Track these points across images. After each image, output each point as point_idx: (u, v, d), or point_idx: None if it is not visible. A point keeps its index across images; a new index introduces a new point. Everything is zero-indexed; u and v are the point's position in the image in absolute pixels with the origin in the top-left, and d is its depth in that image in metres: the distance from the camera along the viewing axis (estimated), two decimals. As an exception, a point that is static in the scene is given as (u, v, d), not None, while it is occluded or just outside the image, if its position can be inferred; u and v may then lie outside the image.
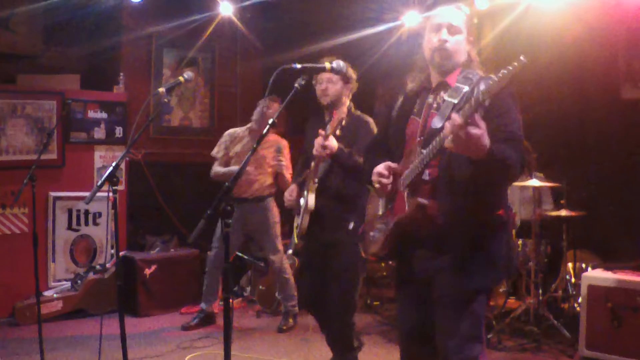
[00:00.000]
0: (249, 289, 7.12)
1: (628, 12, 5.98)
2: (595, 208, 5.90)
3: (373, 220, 3.06)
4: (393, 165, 2.92)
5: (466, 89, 2.69)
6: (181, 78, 3.95)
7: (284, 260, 6.16)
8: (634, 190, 5.89)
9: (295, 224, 4.44)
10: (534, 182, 5.66)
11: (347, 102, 4.42)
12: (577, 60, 6.11)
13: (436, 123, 2.72)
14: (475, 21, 6.21)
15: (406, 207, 2.80)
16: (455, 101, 2.70)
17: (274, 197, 6.16)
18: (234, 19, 7.51)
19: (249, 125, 6.13)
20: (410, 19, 7.28)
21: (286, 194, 4.48)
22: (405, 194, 2.83)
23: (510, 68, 2.29)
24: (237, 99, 8.34)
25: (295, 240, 4.51)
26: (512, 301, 6.13)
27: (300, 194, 4.42)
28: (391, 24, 7.38)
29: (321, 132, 4.02)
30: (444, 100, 2.78)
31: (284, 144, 6.14)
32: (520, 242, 5.83)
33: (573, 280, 5.83)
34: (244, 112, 8.27)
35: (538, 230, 5.73)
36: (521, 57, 2.29)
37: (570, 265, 5.91)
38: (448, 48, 2.84)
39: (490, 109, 2.54)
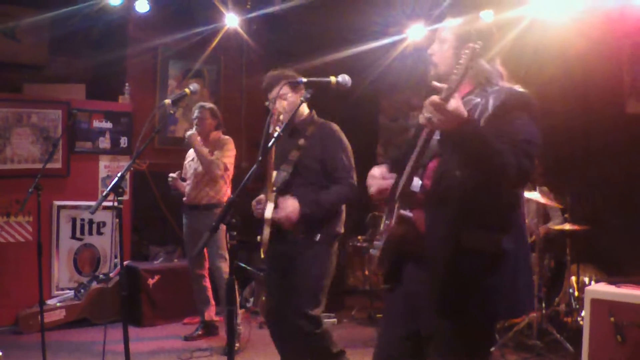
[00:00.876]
0: (252, 300, 7.11)
1: (632, 26, 5.99)
2: (599, 222, 5.90)
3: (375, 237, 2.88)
4: (386, 172, 2.82)
5: (477, 100, 2.57)
6: (187, 90, 3.97)
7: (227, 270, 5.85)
8: (638, 204, 5.88)
9: (258, 239, 4.11)
10: (536, 196, 5.66)
11: (306, 109, 4.15)
12: (582, 75, 6.12)
13: (437, 135, 2.54)
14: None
15: (393, 221, 2.63)
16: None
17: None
18: (240, 30, 7.55)
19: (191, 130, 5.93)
20: (414, 33, 7.31)
21: (254, 203, 4.15)
22: (396, 207, 2.64)
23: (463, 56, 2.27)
24: (242, 110, 8.38)
25: (262, 255, 4.15)
26: (515, 315, 6.11)
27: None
28: (396, 37, 7.42)
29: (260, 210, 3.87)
30: None
31: (225, 139, 5.97)
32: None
33: (576, 294, 5.81)
34: (248, 124, 8.31)
35: (542, 245, 5.72)
36: (472, 45, 2.28)
37: (573, 279, 5.90)
38: (433, 60, 2.77)
39: (495, 118, 2.47)
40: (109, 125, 6.90)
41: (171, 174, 5.94)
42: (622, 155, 6.02)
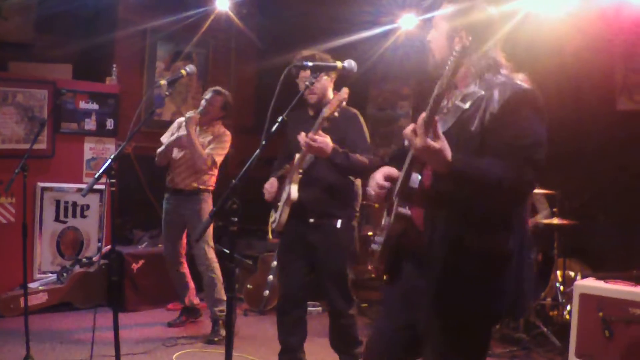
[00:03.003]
0: (236, 287, 7.05)
1: (626, 24, 6.00)
2: (587, 217, 5.92)
3: (376, 232, 2.83)
4: (393, 171, 2.73)
5: (480, 93, 2.48)
6: (183, 71, 3.93)
7: (213, 256, 5.77)
8: (627, 201, 5.92)
9: (271, 219, 4.30)
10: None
11: (332, 93, 4.27)
12: (575, 71, 6.13)
13: (440, 129, 2.39)
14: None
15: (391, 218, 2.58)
16: (466, 107, 2.49)
17: (210, 193, 5.77)
18: (231, 14, 7.47)
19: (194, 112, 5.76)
20: (407, 22, 7.28)
21: (266, 186, 4.32)
22: (395, 203, 2.58)
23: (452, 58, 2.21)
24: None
25: (270, 236, 4.37)
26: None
27: (280, 188, 4.27)
28: (388, 27, 7.38)
29: (303, 135, 3.92)
30: (454, 106, 2.55)
31: (223, 133, 5.82)
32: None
33: (562, 288, 5.83)
34: (236, 109, 8.21)
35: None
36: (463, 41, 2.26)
37: (559, 273, 5.92)
38: (430, 46, 2.69)
39: (499, 118, 2.39)
40: (95, 106, 6.79)
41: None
42: (612, 152, 6.04)
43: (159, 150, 5.82)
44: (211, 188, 5.78)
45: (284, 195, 4.14)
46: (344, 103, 3.96)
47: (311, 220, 4.18)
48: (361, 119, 4.31)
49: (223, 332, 5.56)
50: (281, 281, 4.50)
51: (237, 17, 7.56)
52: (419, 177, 2.51)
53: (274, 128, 2.74)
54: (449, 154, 2.23)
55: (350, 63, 3.38)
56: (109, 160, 3.49)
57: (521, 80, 2.52)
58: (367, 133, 4.32)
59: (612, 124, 6.08)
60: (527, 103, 2.43)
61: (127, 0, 7.18)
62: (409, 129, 2.30)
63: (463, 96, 2.55)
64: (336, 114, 3.91)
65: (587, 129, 6.21)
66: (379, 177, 2.73)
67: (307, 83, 2.93)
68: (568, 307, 5.53)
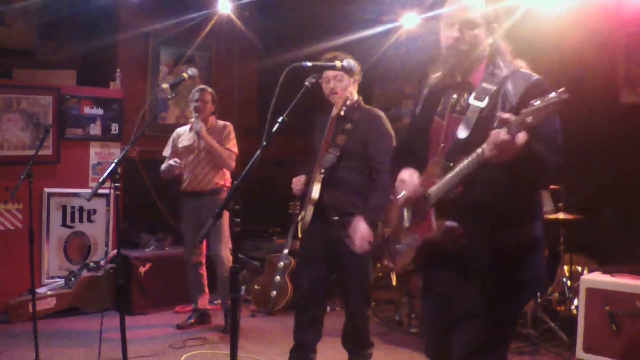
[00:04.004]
0: (243, 288, 7.08)
1: (628, 17, 6.00)
2: (592, 212, 5.91)
3: (398, 231, 2.81)
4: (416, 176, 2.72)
5: (493, 89, 2.50)
6: (185, 75, 3.94)
7: (230, 257, 5.89)
8: (632, 194, 5.90)
9: (299, 217, 4.33)
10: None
11: (354, 94, 4.32)
12: (577, 65, 6.11)
13: (461, 133, 2.52)
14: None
15: (433, 226, 2.55)
16: (482, 105, 2.51)
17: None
18: (233, 17, 7.49)
19: (192, 119, 6.00)
20: (408, 21, 7.30)
21: (294, 181, 4.40)
22: (432, 211, 2.56)
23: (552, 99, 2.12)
24: (233, 97, 8.32)
25: (299, 234, 4.42)
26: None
27: (306, 183, 4.33)
28: (390, 25, 7.39)
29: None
30: (468, 105, 2.56)
31: (224, 127, 6.00)
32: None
33: (569, 283, 5.83)
34: (240, 111, 8.26)
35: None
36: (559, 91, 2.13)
37: (566, 268, 5.92)
38: (461, 48, 2.59)
39: (525, 106, 2.30)
40: (99, 111, 6.82)
41: (171, 162, 5.80)
42: (615, 145, 6.03)
43: (162, 167, 5.95)
44: (229, 184, 5.92)
45: (308, 195, 4.21)
46: (349, 101, 4.09)
47: (334, 218, 4.20)
48: (385, 123, 4.26)
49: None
50: (302, 278, 4.50)
51: (239, 20, 7.57)
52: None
53: (274, 129, 2.75)
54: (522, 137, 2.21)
55: (349, 62, 3.37)
56: (113, 165, 3.52)
57: (524, 68, 2.57)
58: (392, 139, 4.21)
59: (615, 117, 6.06)
60: (542, 92, 2.32)
61: (129, 5, 7.20)
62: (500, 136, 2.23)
63: (477, 94, 2.56)
64: (342, 112, 4.02)
65: (590, 123, 6.19)
66: (406, 176, 2.74)
67: (306, 83, 2.93)
68: (575, 302, 5.52)
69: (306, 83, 2.92)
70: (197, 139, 5.85)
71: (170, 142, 6.10)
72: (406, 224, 2.76)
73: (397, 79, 8.39)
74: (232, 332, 2.69)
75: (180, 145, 5.98)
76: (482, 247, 2.51)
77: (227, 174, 6.00)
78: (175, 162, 5.79)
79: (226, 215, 5.77)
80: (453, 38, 2.60)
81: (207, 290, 6.11)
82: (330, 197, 4.18)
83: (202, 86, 6.02)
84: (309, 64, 2.89)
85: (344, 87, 4.23)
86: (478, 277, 2.55)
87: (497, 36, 2.62)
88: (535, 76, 2.54)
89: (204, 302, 6.08)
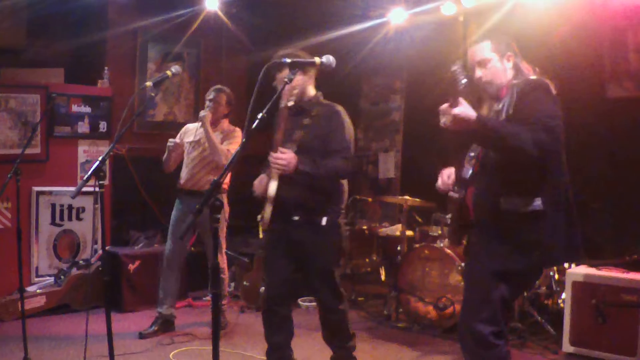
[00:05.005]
0: (233, 284, 7.10)
1: (614, 11, 6.01)
2: (579, 206, 5.90)
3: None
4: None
5: (507, 99, 3.25)
6: (169, 72, 3.94)
7: (225, 260, 5.92)
8: (618, 188, 5.93)
9: (259, 217, 4.20)
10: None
11: (312, 90, 4.25)
12: (564, 59, 6.12)
13: None
14: (461, 19, 6.55)
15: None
16: (498, 108, 3.29)
17: (226, 194, 5.80)
18: (220, 14, 7.48)
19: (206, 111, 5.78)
20: (396, 17, 7.31)
21: (255, 182, 4.26)
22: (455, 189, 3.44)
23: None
24: (222, 94, 8.32)
25: (261, 234, 4.35)
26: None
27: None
28: (378, 21, 7.40)
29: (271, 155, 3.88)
30: (496, 111, 3.31)
31: (233, 130, 5.86)
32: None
33: (557, 277, 5.86)
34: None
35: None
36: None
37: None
38: (485, 81, 3.36)
39: (519, 103, 3.14)
40: (88, 109, 6.82)
41: (170, 141, 5.76)
42: (602, 140, 6.06)
43: (164, 157, 5.86)
44: (226, 187, 5.81)
45: (267, 193, 4.08)
46: (296, 91, 4.05)
47: (295, 218, 4.13)
48: (343, 116, 4.21)
49: (224, 321, 5.91)
50: (266, 280, 4.41)
51: (227, 16, 7.57)
52: (471, 169, 3.36)
53: (254, 125, 2.76)
54: (472, 112, 2.95)
55: (328, 58, 3.38)
56: (97, 162, 3.52)
57: (534, 75, 3.32)
58: (350, 130, 4.22)
59: (602, 112, 6.08)
60: (536, 87, 3.19)
61: (116, 2, 7.19)
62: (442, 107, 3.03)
63: (499, 102, 3.33)
64: (290, 103, 3.94)
65: (577, 117, 6.17)
66: (445, 176, 3.53)
67: (285, 79, 2.95)
68: (563, 296, 5.55)
69: (285, 79, 2.95)
70: (203, 137, 5.69)
71: (177, 137, 5.96)
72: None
73: (386, 75, 8.41)
74: (213, 327, 2.70)
75: (185, 140, 5.87)
76: (485, 208, 3.25)
77: (227, 177, 5.77)
78: (171, 141, 5.74)
79: (221, 214, 5.64)
80: (477, 77, 3.38)
81: (175, 297, 5.93)
82: (291, 196, 4.07)
83: (219, 86, 5.89)
84: (288, 60, 2.92)
85: (301, 86, 4.14)
86: (484, 232, 3.29)
87: (517, 59, 3.37)
88: (535, 77, 3.31)
89: (172, 307, 5.86)
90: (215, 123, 5.76)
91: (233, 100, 5.89)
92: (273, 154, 3.86)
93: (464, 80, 2.97)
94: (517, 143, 2.96)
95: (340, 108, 4.26)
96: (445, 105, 2.97)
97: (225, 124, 5.87)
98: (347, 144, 4.15)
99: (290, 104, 4.00)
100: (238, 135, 5.78)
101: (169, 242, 5.83)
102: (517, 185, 3.15)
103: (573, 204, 3.32)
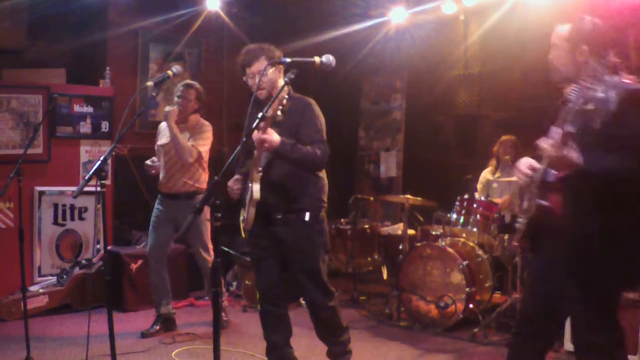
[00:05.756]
0: (235, 284, 7.12)
1: (614, 10, 6.01)
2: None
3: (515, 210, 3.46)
4: (534, 163, 3.22)
5: (602, 95, 2.88)
6: (169, 72, 3.95)
7: (212, 257, 5.80)
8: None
9: (241, 218, 4.19)
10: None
11: (281, 84, 4.02)
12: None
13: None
14: (462, 18, 6.55)
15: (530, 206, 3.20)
16: (591, 108, 2.93)
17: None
18: (221, 13, 7.51)
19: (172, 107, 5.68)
20: (397, 16, 7.32)
21: (230, 184, 4.21)
22: (534, 194, 3.18)
23: None
24: (223, 94, 8.35)
25: (243, 235, 4.23)
26: (498, 296, 6.19)
27: (245, 185, 4.16)
28: (378, 20, 7.42)
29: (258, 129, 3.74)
30: (582, 109, 2.98)
31: (202, 125, 5.77)
32: (506, 237, 5.89)
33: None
34: (229, 108, 8.29)
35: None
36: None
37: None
38: (553, 64, 3.28)
39: (617, 116, 2.83)
40: (89, 109, 6.84)
41: (147, 161, 5.72)
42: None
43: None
44: (204, 187, 5.75)
45: (248, 195, 4.04)
46: (286, 97, 3.87)
47: (278, 216, 4.12)
48: (315, 109, 4.15)
49: (224, 317, 5.91)
50: (257, 281, 4.42)
51: (228, 16, 7.59)
52: (554, 172, 3.09)
53: (254, 125, 2.78)
54: (575, 157, 2.81)
55: (328, 58, 3.39)
56: (99, 162, 3.53)
57: (630, 80, 2.99)
58: (322, 120, 4.18)
59: (602, 111, 6.07)
60: (635, 102, 2.86)
61: (117, 3, 7.21)
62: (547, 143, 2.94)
63: (585, 99, 2.94)
64: (279, 112, 3.74)
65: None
66: (523, 166, 3.24)
67: (285, 79, 2.96)
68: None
69: (285, 79, 2.96)
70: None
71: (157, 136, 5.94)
72: (525, 204, 3.30)
73: (387, 74, 8.42)
74: (214, 325, 2.72)
75: (158, 143, 5.81)
76: (572, 221, 3.01)
77: (204, 176, 5.79)
78: (151, 161, 5.71)
79: (202, 215, 5.58)
80: (549, 57, 3.31)
81: (170, 294, 5.91)
82: (272, 195, 4.06)
83: (188, 82, 5.81)
84: (288, 60, 2.94)
85: (272, 81, 4.05)
86: (573, 248, 3.01)
87: (592, 57, 3.10)
88: (635, 87, 2.95)
89: (169, 306, 5.85)
90: (183, 120, 5.69)
91: (203, 96, 5.80)
92: (256, 135, 3.73)
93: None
94: (611, 170, 2.83)
95: (311, 100, 4.20)
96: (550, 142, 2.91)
97: (194, 119, 5.76)
98: (321, 135, 4.10)
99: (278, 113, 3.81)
100: (207, 131, 5.72)
101: (149, 240, 5.80)
102: (611, 200, 2.91)
103: None
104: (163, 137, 5.77)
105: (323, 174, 4.29)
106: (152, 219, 5.82)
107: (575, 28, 3.19)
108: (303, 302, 6.66)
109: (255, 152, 3.93)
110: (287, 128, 3.96)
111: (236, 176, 4.22)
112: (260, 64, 3.98)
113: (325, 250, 4.28)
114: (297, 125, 4.03)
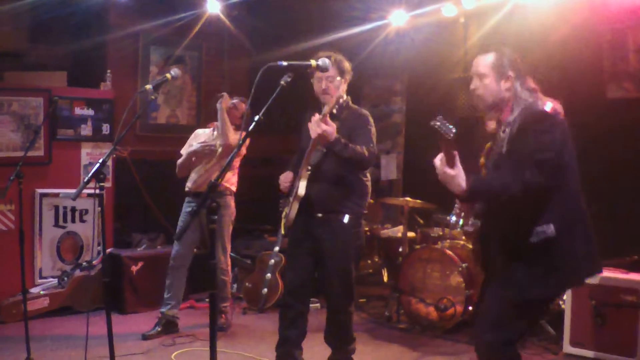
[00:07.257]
0: (235, 286, 7.13)
1: (613, 12, 6.03)
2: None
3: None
4: None
5: (513, 118, 3.12)
6: (168, 75, 3.97)
7: (229, 262, 5.97)
8: (618, 189, 5.94)
9: (283, 214, 4.36)
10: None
11: (344, 94, 4.34)
12: (563, 61, 6.15)
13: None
14: (462, 21, 6.56)
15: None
16: (504, 135, 3.18)
17: (233, 196, 5.89)
18: (222, 16, 7.52)
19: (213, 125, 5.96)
20: (397, 18, 7.33)
21: (281, 178, 4.41)
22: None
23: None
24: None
25: (282, 231, 4.44)
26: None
27: (293, 182, 4.34)
28: (378, 23, 7.43)
29: (315, 116, 4.01)
30: (501, 137, 3.21)
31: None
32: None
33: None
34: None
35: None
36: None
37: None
38: (477, 94, 3.28)
39: (516, 139, 3.08)
40: (90, 112, 6.86)
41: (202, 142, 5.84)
42: (602, 141, 6.05)
43: (179, 161, 5.88)
44: (234, 189, 5.88)
45: (294, 191, 4.23)
46: (342, 100, 4.15)
47: (319, 215, 4.26)
48: (369, 119, 4.37)
49: (223, 319, 5.95)
50: (287, 275, 4.56)
51: (228, 19, 7.61)
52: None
53: (250, 127, 2.79)
54: (462, 181, 2.90)
55: (324, 61, 3.43)
56: (97, 165, 3.55)
57: (544, 101, 3.16)
58: (373, 133, 4.34)
59: (602, 113, 6.07)
60: (538, 121, 3.08)
61: (118, 5, 7.22)
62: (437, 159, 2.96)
63: (504, 126, 3.20)
64: (334, 110, 4.04)
65: (576, 119, 6.16)
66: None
67: (282, 82, 2.98)
68: (563, 297, 5.56)
69: (282, 82, 2.98)
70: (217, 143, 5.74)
71: (189, 140, 6.04)
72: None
73: (387, 77, 8.42)
74: (210, 326, 2.73)
75: (194, 145, 5.90)
76: (490, 241, 3.27)
77: (234, 178, 5.91)
78: (200, 144, 5.81)
79: (227, 216, 5.78)
80: (472, 88, 3.31)
81: (181, 300, 5.98)
82: (317, 193, 4.24)
83: (244, 98, 5.90)
84: (285, 63, 2.95)
85: (337, 87, 4.25)
86: (494, 264, 3.26)
87: (518, 81, 3.20)
88: (537, 109, 3.12)
89: (174, 310, 5.87)
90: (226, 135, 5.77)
91: (248, 116, 5.90)
92: (316, 117, 3.97)
93: (454, 130, 2.80)
94: (498, 192, 3.01)
95: (367, 112, 4.42)
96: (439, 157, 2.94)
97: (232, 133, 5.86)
98: (371, 141, 4.27)
99: (334, 110, 4.13)
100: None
101: (175, 243, 5.87)
102: (523, 216, 3.07)
103: (588, 215, 3.25)
104: (202, 139, 5.94)
105: (368, 178, 4.45)
106: (180, 221, 5.80)
107: (500, 56, 3.22)
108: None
109: (307, 150, 4.15)
110: (342, 134, 4.09)
111: (287, 172, 4.43)
112: (332, 71, 4.17)
113: (358, 254, 4.39)
114: (351, 130, 4.21)
